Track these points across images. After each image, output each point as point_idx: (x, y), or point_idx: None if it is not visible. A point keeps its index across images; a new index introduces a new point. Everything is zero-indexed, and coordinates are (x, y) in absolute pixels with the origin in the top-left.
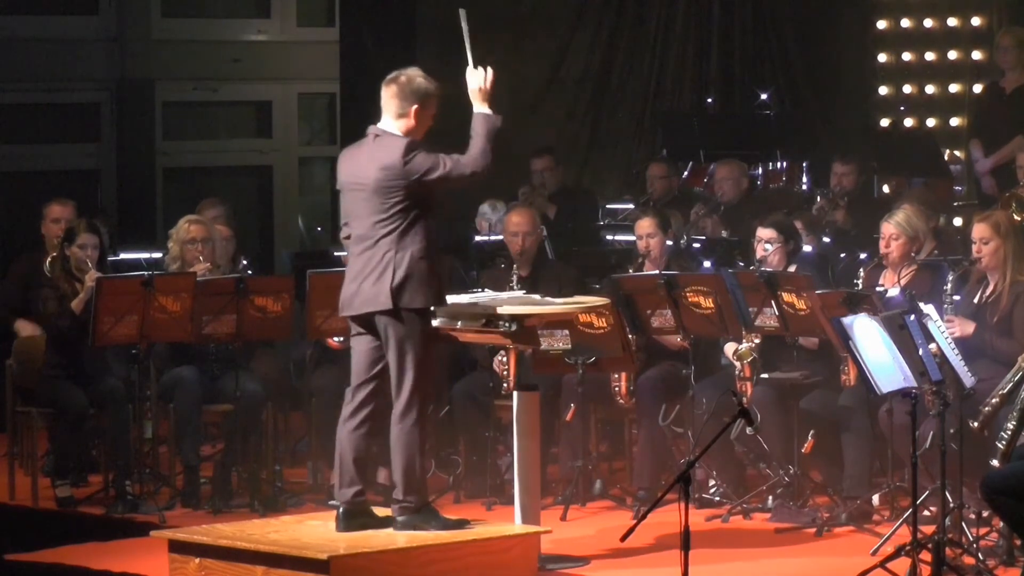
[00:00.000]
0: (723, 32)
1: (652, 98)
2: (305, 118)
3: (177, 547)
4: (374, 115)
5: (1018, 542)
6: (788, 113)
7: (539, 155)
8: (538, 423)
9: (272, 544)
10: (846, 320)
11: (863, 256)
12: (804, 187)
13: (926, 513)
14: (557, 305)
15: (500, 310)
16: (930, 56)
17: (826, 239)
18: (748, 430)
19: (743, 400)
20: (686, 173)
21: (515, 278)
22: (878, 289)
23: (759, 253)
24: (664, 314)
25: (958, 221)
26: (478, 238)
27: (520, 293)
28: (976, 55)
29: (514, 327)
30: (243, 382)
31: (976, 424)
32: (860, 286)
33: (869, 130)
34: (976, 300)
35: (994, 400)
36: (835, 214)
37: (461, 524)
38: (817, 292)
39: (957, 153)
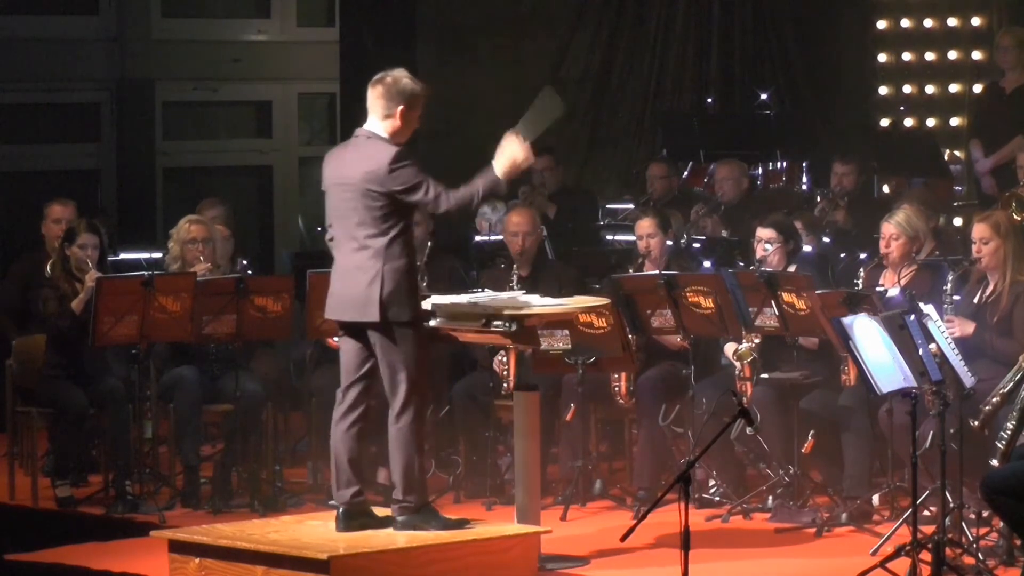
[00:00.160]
0: (723, 32)
1: (652, 98)
2: (305, 118)
3: (177, 547)
4: None
5: (1018, 542)
6: (788, 113)
7: (539, 155)
8: (538, 423)
9: (272, 544)
10: (846, 320)
11: (863, 256)
12: (804, 187)
13: (926, 513)
14: (557, 305)
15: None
16: (930, 56)
17: (826, 239)
18: (748, 430)
19: (743, 400)
20: (686, 173)
21: (515, 278)
22: (878, 289)
23: (759, 253)
24: (664, 314)
25: (958, 221)
26: (478, 238)
27: (520, 293)
28: (976, 55)
29: (514, 327)
30: (243, 382)
31: (976, 423)
32: (860, 286)
33: (869, 130)
34: (976, 300)
35: (994, 400)
36: (835, 214)
37: (461, 524)
38: (817, 292)
39: (957, 153)
